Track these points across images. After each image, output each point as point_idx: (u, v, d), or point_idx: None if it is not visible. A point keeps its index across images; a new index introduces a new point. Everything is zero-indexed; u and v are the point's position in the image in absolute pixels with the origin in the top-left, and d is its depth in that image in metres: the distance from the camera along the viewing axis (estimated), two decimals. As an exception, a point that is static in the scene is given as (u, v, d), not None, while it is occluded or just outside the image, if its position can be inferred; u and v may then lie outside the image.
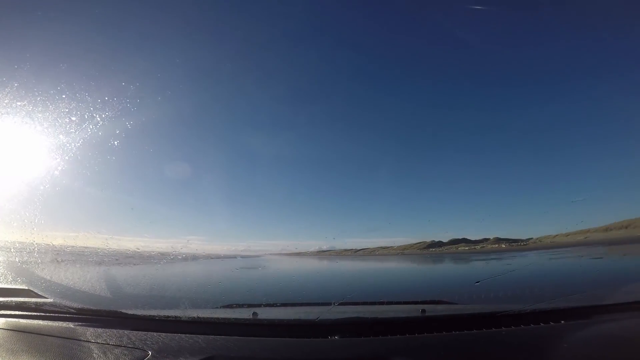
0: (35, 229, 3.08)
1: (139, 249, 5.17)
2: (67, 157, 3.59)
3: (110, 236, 4.22)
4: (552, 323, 1.78)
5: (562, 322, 1.79)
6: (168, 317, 2.03)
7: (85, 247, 3.99)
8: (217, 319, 2.11)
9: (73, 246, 3.87)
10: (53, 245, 3.51)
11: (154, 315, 2.05)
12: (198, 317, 2.01)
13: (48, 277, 2.69)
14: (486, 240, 11.40)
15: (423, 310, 2.06)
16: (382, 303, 2.61)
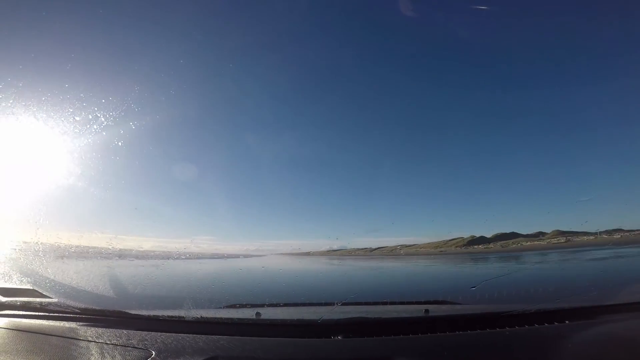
0: (40, 228, 3.10)
1: (142, 248, 5.20)
2: (72, 157, 3.63)
3: (114, 236, 4.25)
4: (556, 323, 1.77)
5: (567, 322, 1.78)
6: (171, 317, 2.04)
7: (90, 247, 4.01)
8: (220, 319, 2.11)
9: (77, 246, 3.88)
10: (58, 244, 3.53)
11: (157, 316, 2.06)
12: (201, 317, 2.02)
13: (52, 277, 2.70)
14: (542, 233, 9.57)
15: (426, 311, 2.05)
16: (385, 303, 2.61)
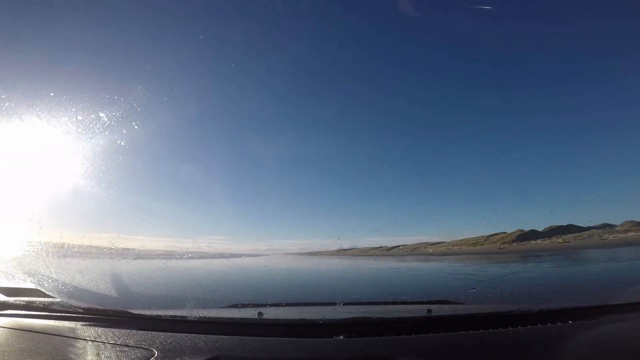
0: (43, 228, 3.11)
1: (145, 247, 5.22)
2: (76, 157, 3.63)
3: (118, 235, 4.25)
4: (559, 323, 1.76)
5: (570, 322, 1.77)
6: (174, 317, 2.04)
7: (93, 247, 4.02)
8: (223, 318, 2.11)
9: (80, 245, 3.90)
10: (61, 244, 3.54)
11: (160, 315, 2.06)
12: (203, 317, 2.02)
13: (55, 277, 2.71)
14: (609, 225, 8.04)
15: (429, 310, 2.05)
16: (387, 303, 2.61)
